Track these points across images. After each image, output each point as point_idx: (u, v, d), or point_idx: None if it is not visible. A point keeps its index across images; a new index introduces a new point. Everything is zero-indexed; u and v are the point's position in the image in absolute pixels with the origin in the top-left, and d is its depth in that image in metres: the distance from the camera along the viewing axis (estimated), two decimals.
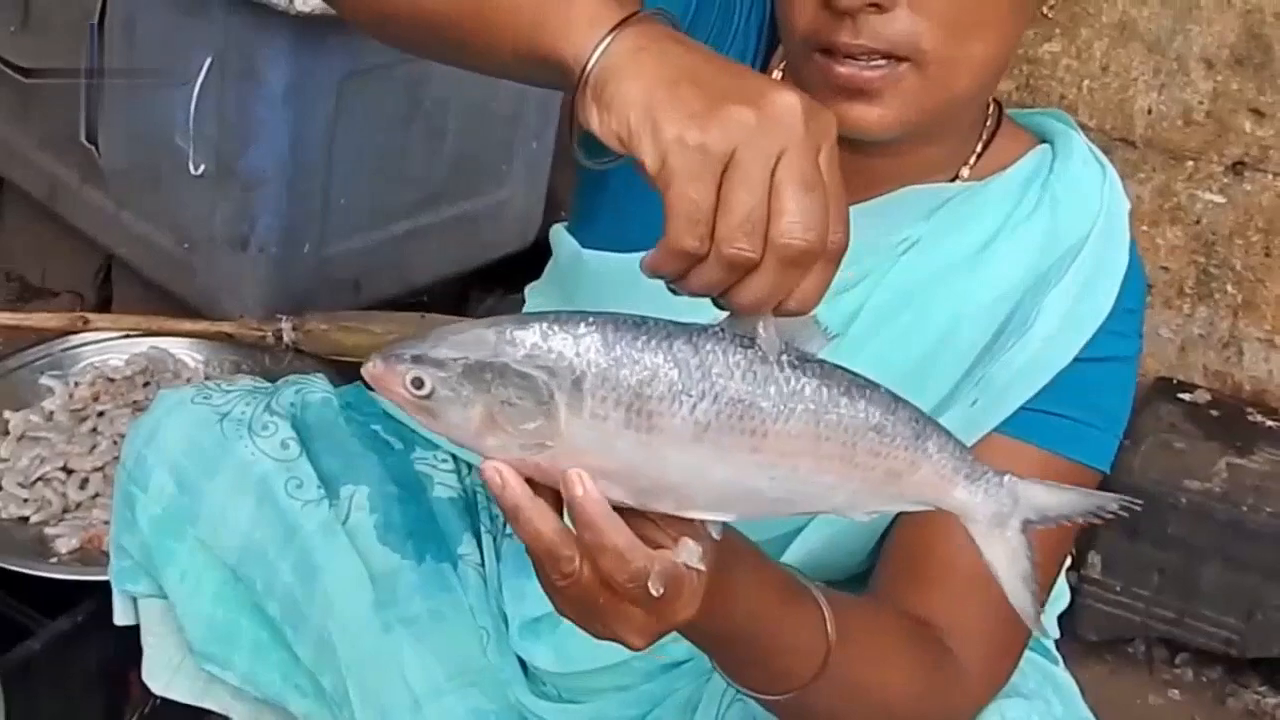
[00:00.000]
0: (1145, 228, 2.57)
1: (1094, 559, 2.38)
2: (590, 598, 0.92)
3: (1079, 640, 2.38)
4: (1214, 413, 2.52)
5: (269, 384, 1.64)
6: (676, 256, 0.86)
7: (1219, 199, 2.52)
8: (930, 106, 1.16)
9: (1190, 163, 2.52)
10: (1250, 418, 2.52)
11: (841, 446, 0.89)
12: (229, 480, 1.52)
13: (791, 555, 1.32)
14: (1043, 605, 0.98)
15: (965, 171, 1.30)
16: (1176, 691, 2.45)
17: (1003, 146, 1.31)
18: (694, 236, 0.85)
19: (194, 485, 1.52)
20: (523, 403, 0.87)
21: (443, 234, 2.55)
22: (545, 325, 0.88)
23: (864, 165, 1.24)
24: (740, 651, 1.10)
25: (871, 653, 1.15)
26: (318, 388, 1.62)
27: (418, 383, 0.89)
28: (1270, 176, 2.47)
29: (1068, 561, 1.58)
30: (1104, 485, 2.35)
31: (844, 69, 1.14)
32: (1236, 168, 2.50)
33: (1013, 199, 1.29)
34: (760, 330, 0.88)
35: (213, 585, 1.54)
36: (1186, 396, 2.57)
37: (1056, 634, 1.53)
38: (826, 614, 1.10)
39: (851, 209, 1.25)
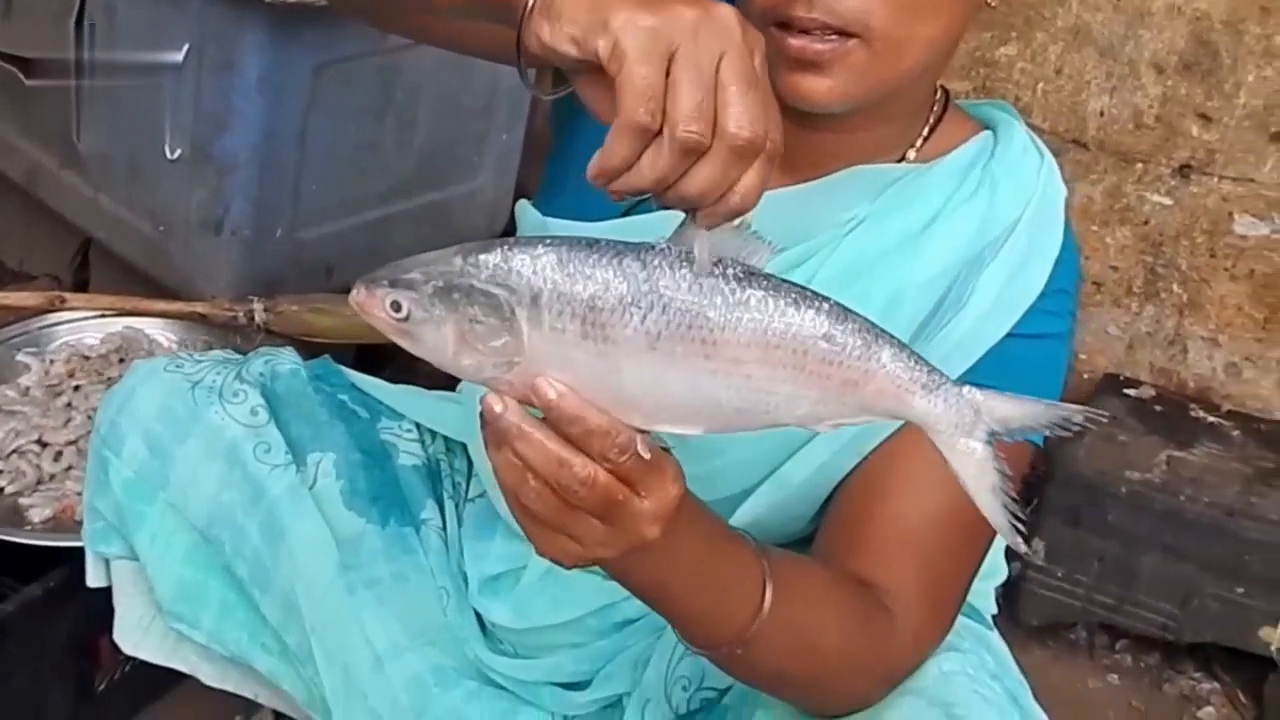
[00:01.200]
0: (1095, 228, 2.60)
1: (1037, 546, 2.39)
2: (593, 501, 0.95)
3: (1022, 626, 2.41)
4: (1158, 408, 2.55)
5: (240, 355, 1.67)
6: (631, 132, 0.90)
7: (1166, 200, 2.55)
8: (875, 82, 1.21)
9: (1140, 165, 2.55)
10: (1192, 413, 2.54)
11: (792, 354, 0.92)
12: (199, 445, 1.55)
13: (739, 519, 1.35)
14: (1019, 521, 0.99)
15: (911, 154, 1.34)
16: (1116, 676, 2.47)
17: (949, 131, 1.36)
18: (646, 111, 0.89)
19: (166, 449, 1.55)
20: (488, 320, 0.93)
21: (414, 222, 2.57)
22: (506, 248, 0.93)
23: (814, 142, 1.29)
24: (687, 599, 1.13)
25: (809, 607, 1.18)
26: (287, 359, 1.66)
27: (396, 306, 0.95)
28: (1215, 179, 2.50)
29: (1001, 542, 1.63)
30: (1044, 471, 2.40)
31: (796, 41, 1.18)
32: (1184, 170, 2.53)
33: (955, 181, 1.33)
34: (696, 245, 0.92)
35: (182, 547, 1.57)
36: (1132, 392, 2.59)
37: (993, 608, 1.55)
38: (764, 565, 1.14)
39: (802, 187, 1.31)
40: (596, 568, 1.20)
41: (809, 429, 0.97)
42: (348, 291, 2.53)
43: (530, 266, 0.92)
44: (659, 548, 1.00)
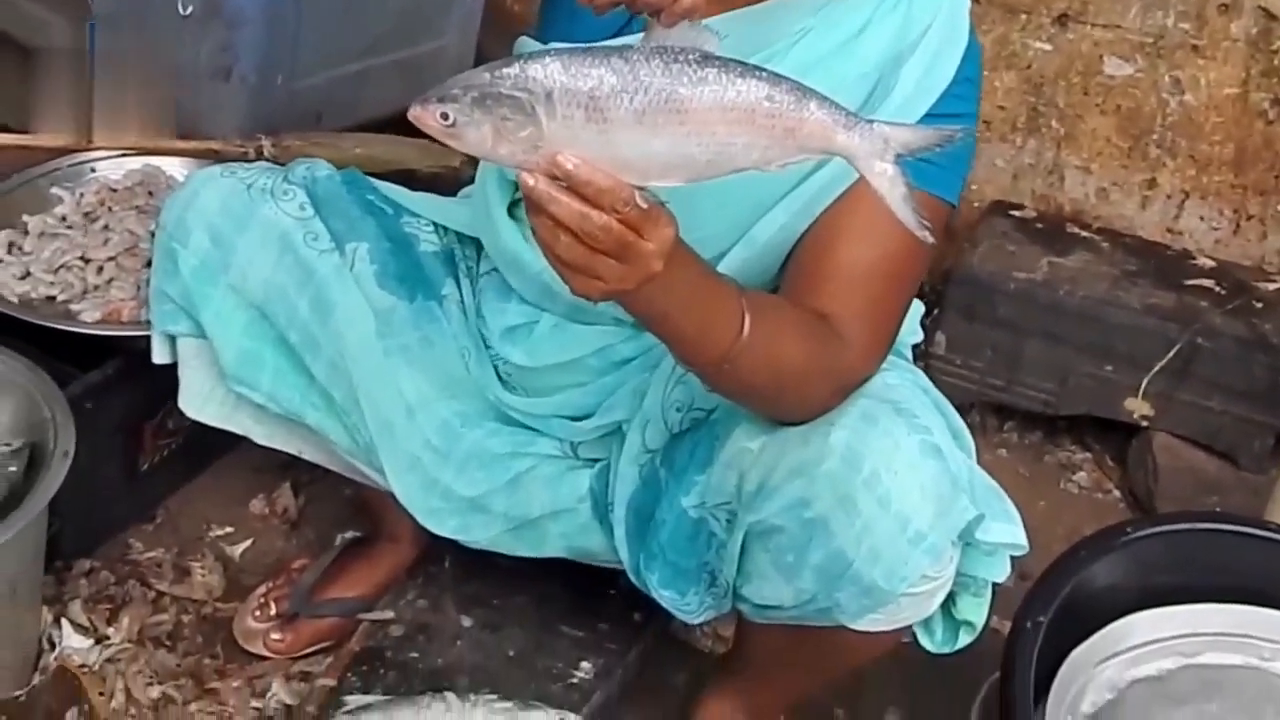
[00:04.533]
0: (986, 72, 2.60)
1: (939, 338, 2.56)
2: (609, 243, 1.14)
3: None
4: (1039, 225, 2.70)
5: (280, 165, 1.82)
6: None
7: (1047, 47, 2.68)
8: None
9: (1024, 15, 2.68)
10: (1069, 230, 2.70)
11: (744, 113, 1.11)
12: (256, 235, 1.71)
13: None
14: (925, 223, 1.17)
15: None
16: (1004, 451, 2.66)
17: None
18: None
19: (227, 240, 1.71)
20: (515, 117, 1.11)
21: (389, 75, 2.67)
22: (522, 62, 1.12)
23: None
24: (685, 323, 1.30)
25: (778, 329, 1.35)
26: (322, 167, 1.81)
27: (445, 116, 1.13)
28: (1089, 27, 2.64)
29: (920, 309, 1.81)
30: (950, 268, 2.59)
31: None
32: (1062, 19, 2.66)
33: None
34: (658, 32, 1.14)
35: (242, 322, 1.74)
36: (1017, 213, 2.74)
37: (911, 360, 1.75)
38: (743, 299, 1.33)
39: (762, 6, 1.50)
40: (601, 317, 1.42)
41: (763, 170, 1.16)
42: (340, 131, 2.64)
43: (542, 72, 1.11)
44: (662, 280, 1.19)
